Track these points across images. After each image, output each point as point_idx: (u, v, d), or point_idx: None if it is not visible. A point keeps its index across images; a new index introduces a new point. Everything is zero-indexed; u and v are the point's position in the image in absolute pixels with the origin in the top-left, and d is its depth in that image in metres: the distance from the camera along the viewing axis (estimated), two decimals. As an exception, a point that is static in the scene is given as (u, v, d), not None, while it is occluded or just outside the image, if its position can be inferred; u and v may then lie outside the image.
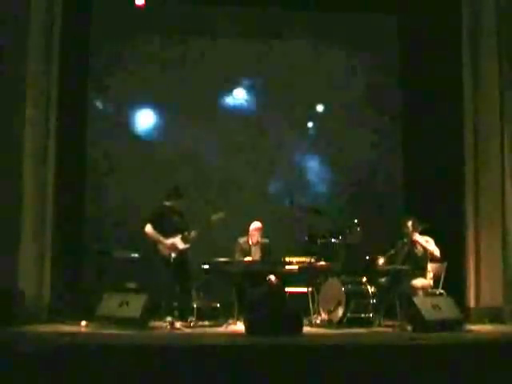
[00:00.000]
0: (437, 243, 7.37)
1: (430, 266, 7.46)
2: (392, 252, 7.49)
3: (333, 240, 7.87)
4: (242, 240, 7.93)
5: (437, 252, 7.31)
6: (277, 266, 7.74)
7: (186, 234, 7.37)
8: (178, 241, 7.33)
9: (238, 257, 7.79)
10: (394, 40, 9.50)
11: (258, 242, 7.91)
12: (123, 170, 9.13)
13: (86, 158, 8.96)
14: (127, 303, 6.94)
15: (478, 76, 8.05)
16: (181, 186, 7.77)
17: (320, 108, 9.56)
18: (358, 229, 7.95)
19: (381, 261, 7.45)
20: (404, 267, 7.32)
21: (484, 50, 8.04)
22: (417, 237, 7.38)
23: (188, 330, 6.98)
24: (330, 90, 9.41)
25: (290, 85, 9.35)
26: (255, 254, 7.88)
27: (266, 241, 8.01)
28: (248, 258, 7.78)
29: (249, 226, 7.94)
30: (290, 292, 7.65)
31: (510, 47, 7.94)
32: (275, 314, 6.48)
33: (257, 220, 7.97)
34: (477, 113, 8.03)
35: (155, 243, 7.35)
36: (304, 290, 7.74)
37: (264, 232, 7.96)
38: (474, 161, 8.05)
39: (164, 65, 9.27)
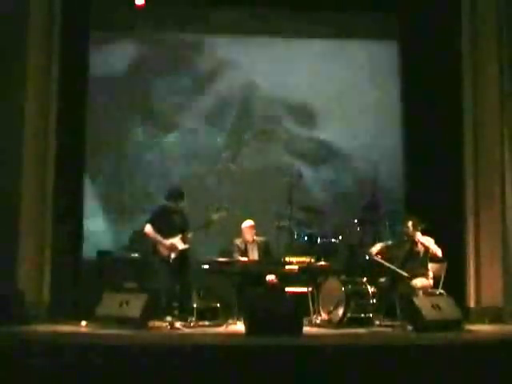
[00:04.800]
0: (437, 243, 7.38)
1: (430, 266, 7.46)
2: (389, 243, 7.47)
3: (333, 240, 7.87)
4: (237, 241, 7.93)
5: (439, 252, 7.33)
6: (276, 265, 7.74)
7: (186, 234, 7.37)
8: (177, 241, 7.32)
9: (235, 257, 7.78)
10: (394, 38, 9.48)
11: (253, 240, 7.91)
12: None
13: (85, 158, 8.95)
14: (127, 303, 6.93)
15: (478, 77, 8.08)
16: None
17: (320, 107, 9.53)
18: (358, 229, 7.95)
19: (375, 248, 7.45)
20: (403, 272, 7.28)
21: (484, 51, 8.06)
22: (419, 237, 7.38)
23: (188, 330, 6.97)
24: (330, 89, 9.40)
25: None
26: (252, 253, 7.88)
27: (265, 239, 8.01)
28: (245, 258, 7.78)
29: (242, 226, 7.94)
30: (290, 292, 7.64)
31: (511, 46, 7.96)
32: (275, 314, 6.47)
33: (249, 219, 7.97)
34: (477, 115, 8.07)
35: (155, 243, 7.34)
36: (304, 289, 7.72)
37: (258, 230, 7.95)
38: (473, 160, 8.07)
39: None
